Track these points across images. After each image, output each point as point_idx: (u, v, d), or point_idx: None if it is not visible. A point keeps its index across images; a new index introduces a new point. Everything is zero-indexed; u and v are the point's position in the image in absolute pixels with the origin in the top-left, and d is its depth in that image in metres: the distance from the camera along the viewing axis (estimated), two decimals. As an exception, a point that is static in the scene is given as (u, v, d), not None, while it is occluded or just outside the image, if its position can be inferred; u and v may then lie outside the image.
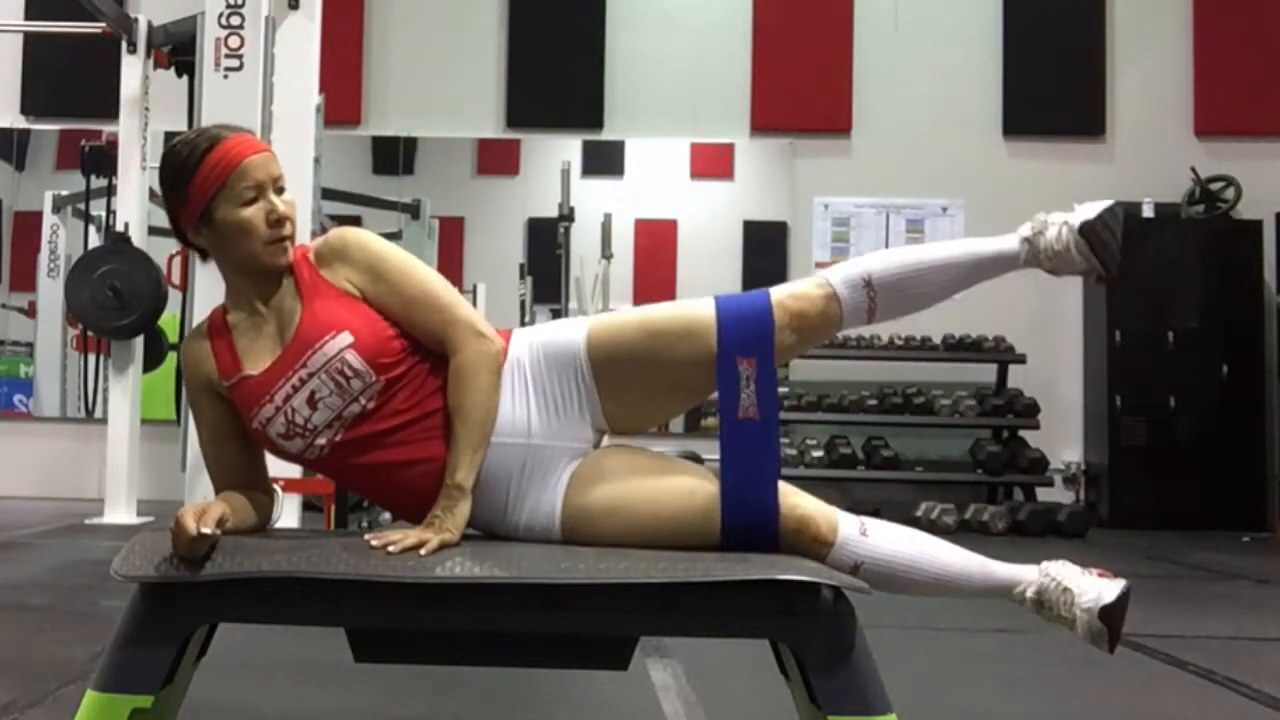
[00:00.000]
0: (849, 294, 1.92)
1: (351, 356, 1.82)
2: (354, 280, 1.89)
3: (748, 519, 1.81)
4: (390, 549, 1.70)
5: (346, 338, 1.82)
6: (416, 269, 1.90)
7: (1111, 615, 1.84)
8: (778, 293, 1.92)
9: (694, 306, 1.92)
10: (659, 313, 1.93)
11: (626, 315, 1.95)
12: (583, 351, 1.89)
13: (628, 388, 1.90)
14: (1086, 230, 1.94)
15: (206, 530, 1.62)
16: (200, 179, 1.85)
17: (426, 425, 1.85)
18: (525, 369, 1.90)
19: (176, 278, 6.63)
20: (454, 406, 1.83)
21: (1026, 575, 1.94)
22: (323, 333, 1.83)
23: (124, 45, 6.40)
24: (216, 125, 1.95)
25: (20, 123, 8.31)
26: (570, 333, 1.92)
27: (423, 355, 1.88)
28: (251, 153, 1.86)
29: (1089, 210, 1.97)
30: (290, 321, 1.87)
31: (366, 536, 1.74)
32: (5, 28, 7.90)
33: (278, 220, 1.86)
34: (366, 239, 1.93)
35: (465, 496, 1.80)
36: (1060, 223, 1.98)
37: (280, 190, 1.89)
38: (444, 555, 1.70)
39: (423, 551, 1.70)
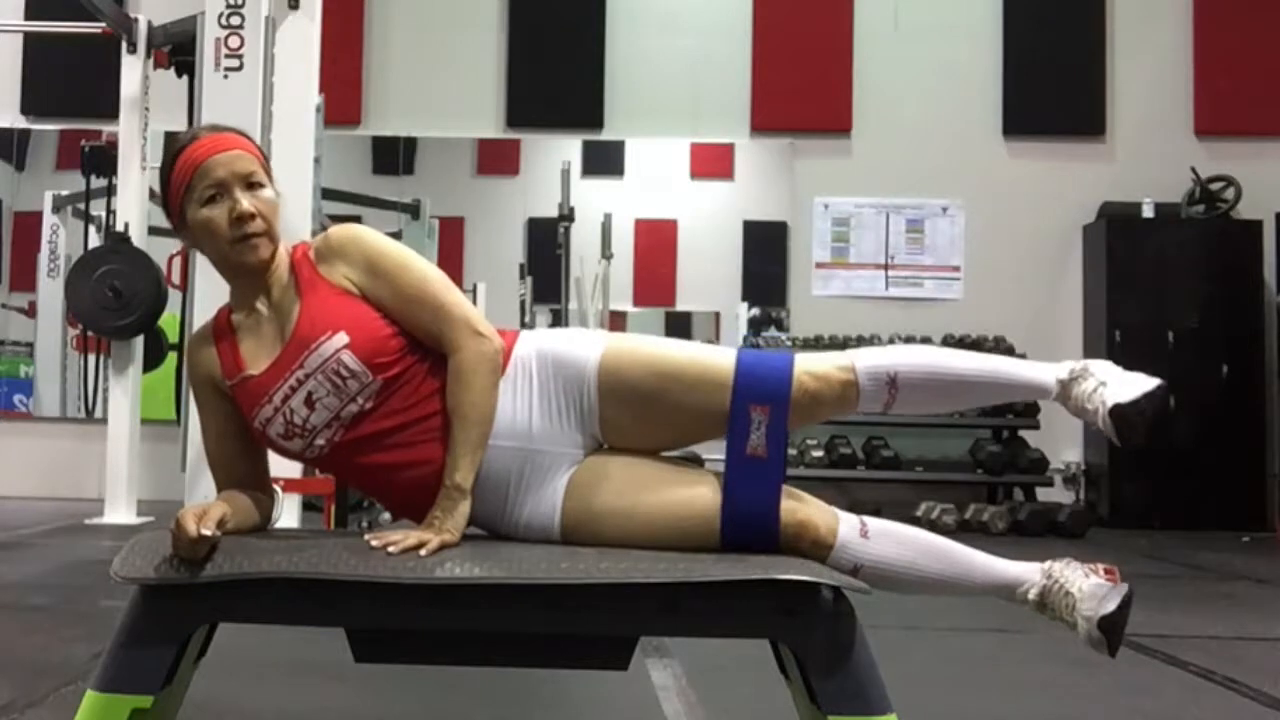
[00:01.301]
0: (870, 386, 1.91)
1: (347, 357, 1.81)
2: (352, 278, 1.88)
3: (747, 522, 1.81)
4: (390, 549, 1.70)
5: (342, 338, 1.82)
6: (415, 266, 1.89)
7: (1111, 625, 1.83)
8: (800, 364, 1.90)
9: (714, 356, 1.90)
10: (677, 354, 1.91)
11: (643, 346, 1.92)
12: (592, 374, 1.88)
13: (630, 419, 1.89)
14: (1117, 414, 1.87)
15: (207, 532, 1.63)
16: (172, 181, 1.88)
17: (426, 426, 1.85)
18: (533, 373, 1.89)
19: (176, 278, 6.63)
20: (452, 406, 1.83)
21: (1029, 575, 1.93)
22: (319, 333, 1.83)
23: (124, 45, 6.39)
24: (206, 125, 1.96)
25: (20, 123, 8.31)
26: (584, 350, 1.90)
27: (421, 355, 1.87)
28: (216, 151, 1.85)
29: (1128, 390, 1.89)
30: (289, 321, 1.87)
31: (367, 537, 1.74)
32: (5, 28, 7.90)
33: (239, 218, 1.84)
34: (366, 236, 1.92)
35: (465, 497, 1.80)
36: (1099, 384, 1.92)
37: (253, 186, 1.86)
38: (444, 555, 1.70)
39: (423, 552, 1.70)
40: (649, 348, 1.92)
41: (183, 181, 1.86)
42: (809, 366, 1.90)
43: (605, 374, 1.87)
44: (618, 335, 1.97)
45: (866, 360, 1.93)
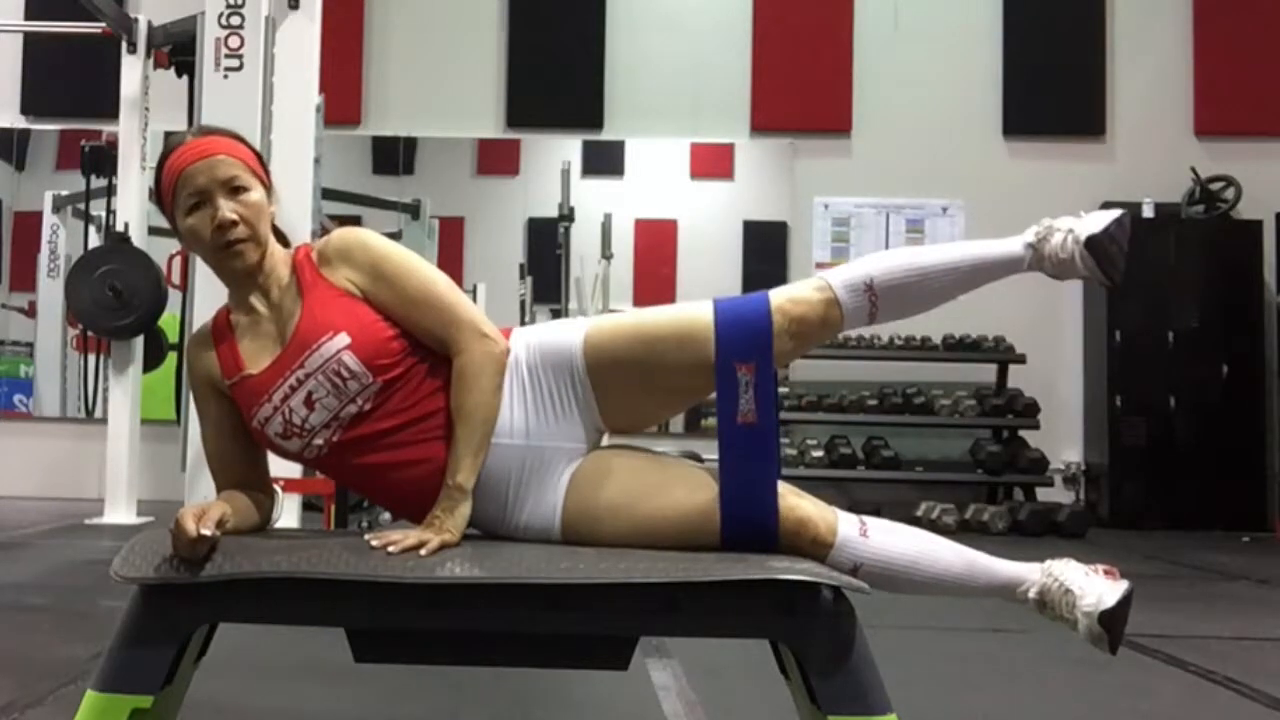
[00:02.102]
0: (850, 298, 1.91)
1: (348, 358, 1.82)
2: (355, 280, 1.88)
3: (747, 521, 1.81)
4: (390, 549, 1.70)
5: (344, 339, 1.82)
6: (419, 269, 1.89)
7: (1112, 620, 1.83)
8: (777, 296, 1.90)
9: (691, 311, 1.90)
10: (656, 318, 1.92)
11: (623, 319, 1.93)
12: (579, 355, 1.88)
13: (624, 391, 1.89)
14: (1092, 244, 1.91)
15: (206, 531, 1.62)
16: (161, 188, 1.89)
17: (425, 426, 1.85)
18: (522, 370, 1.89)
19: (176, 278, 6.63)
20: (456, 406, 1.83)
21: (1029, 575, 1.93)
22: (320, 333, 1.83)
23: (124, 45, 6.40)
24: (195, 128, 1.96)
25: (20, 123, 8.31)
26: (567, 335, 1.91)
27: (421, 356, 1.87)
28: (198, 158, 1.84)
29: (1096, 222, 1.94)
30: (290, 321, 1.87)
31: (367, 537, 1.74)
32: (5, 28, 7.90)
33: (220, 226, 1.83)
34: (369, 239, 1.92)
35: (466, 497, 1.80)
36: (1066, 230, 1.95)
37: (237, 191, 1.85)
38: (444, 555, 1.70)
39: (423, 552, 1.70)
40: (629, 318, 1.93)
41: (169, 189, 1.87)
42: (786, 294, 1.91)
43: (591, 352, 1.88)
44: (599, 316, 1.98)
45: (841, 275, 1.93)
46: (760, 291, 1.93)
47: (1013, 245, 1.99)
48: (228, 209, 1.84)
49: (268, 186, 1.93)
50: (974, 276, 1.99)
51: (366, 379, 1.82)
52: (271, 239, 1.93)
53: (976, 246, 2.01)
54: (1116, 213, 1.95)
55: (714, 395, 1.88)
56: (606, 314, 1.97)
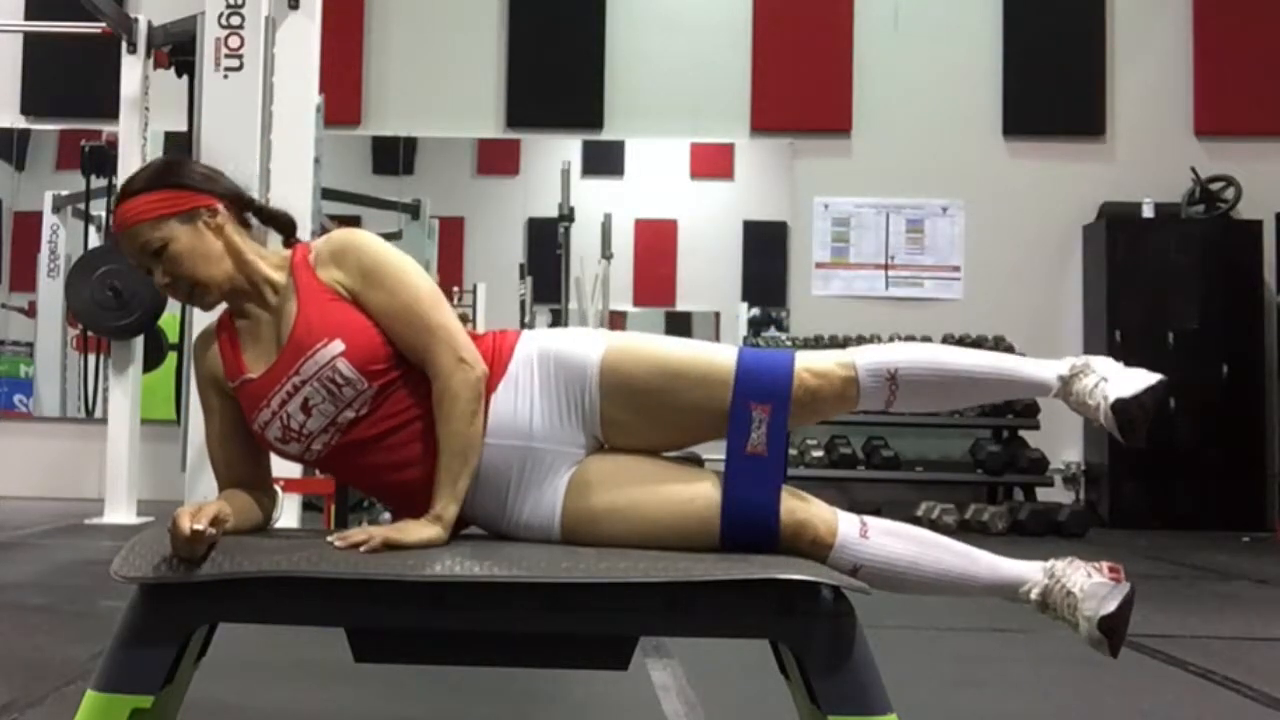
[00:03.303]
0: (870, 383, 1.90)
1: (343, 364, 1.81)
2: (344, 283, 1.88)
3: (747, 523, 1.81)
4: (338, 543, 1.71)
5: (338, 345, 1.82)
6: (408, 283, 1.87)
7: (1112, 625, 1.82)
8: (801, 361, 1.90)
9: (716, 354, 1.90)
10: (678, 352, 1.90)
11: (644, 345, 1.92)
12: (594, 374, 1.87)
13: (631, 418, 1.88)
14: (1120, 407, 1.87)
15: (199, 527, 1.61)
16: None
17: (422, 428, 1.85)
18: (534, 372, 1.89)
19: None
20: (438, 434, 1.82)
21: (1031, 575, 1.92)
22: (315, 340, 1.83)
23: (124, 45, 6.39)
24: (120, 187, 1.97)
25: (20, 123, 8.30)
26: (586, 350, 1.89)
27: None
28: (119, 233, 1.90)
29: (1129, 384, 1.89)
30: (286, 325, 1.87)
31: (330, 538, 1.74)
32: (5, 28, 7.90)
33: (164, 287, 1.90)
34: (364, 243, 1.91)
35: (442, 527, 1.79)
36: (1100, 378, 1.92)
37: (159, 253, 1.86)
38: (444, 554, 1.70)
39: (363, 549, 1.69)
40: (650, 346, 1.91)
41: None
42: (810, 364, 1.90)
43: (607, 373, 1.87)
44: (619, 334, 1.96)
45: (867, 357, 1.92)
46: (787, 350, 1.94)
47: (1045, 372, 1.97)
48: (158, 278, 1.89)
49: (199, 205, 1.88)
50: (999, 390, 2.01)
51: (361, 385, 1.82)
52: (245, 250, 1.91)
53: (1010, 362, 2.01)
54: (1153, 379, 1.90)
55: (713, 438, 1.89)
56: (628, 335, 1.95)
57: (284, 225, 2.02)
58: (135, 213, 1.87)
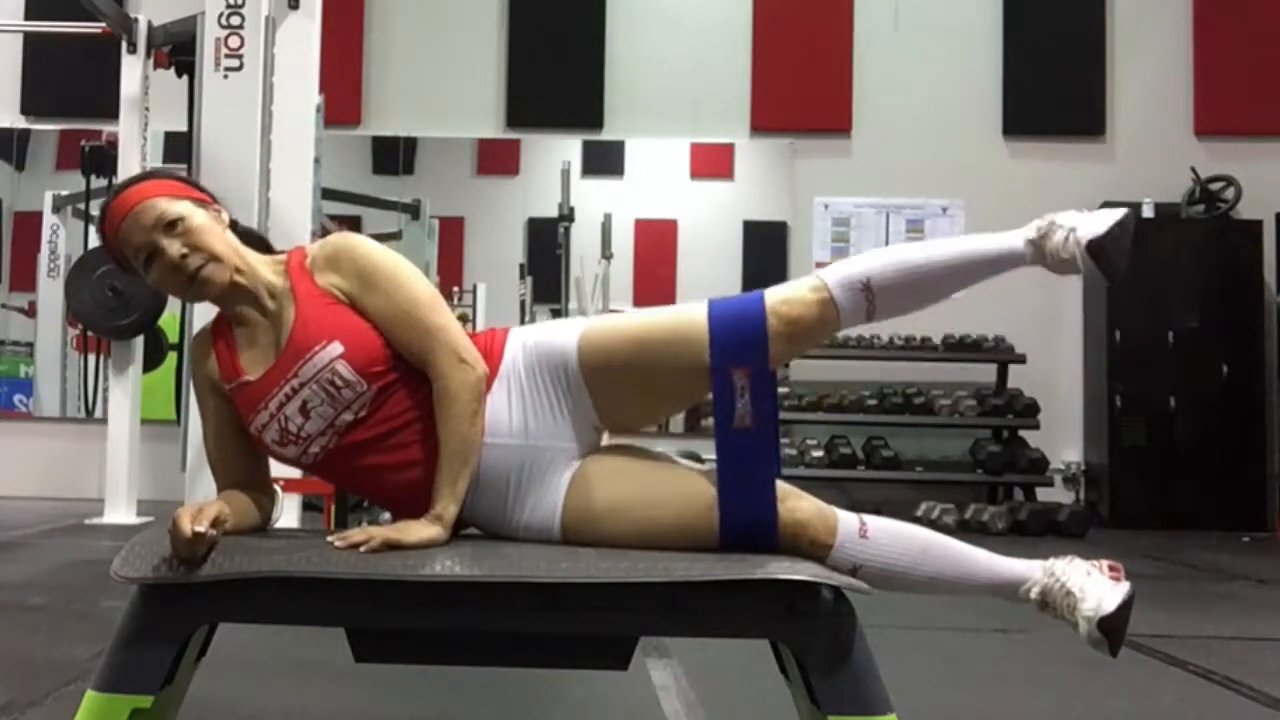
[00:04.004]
0: (846, 297, 1.87)
1: (342, 367, 1.81)
2: (340, 287, 1.88)
3: (746, 523, 1.81)
4: (338, 544, 1.70)
5: (337, 348, 1.82)
6: (405, 284, 1.87)
7: (1112, 625, 1.82)
8: (771, 297, 1.87)
9: (685, 314, 1.88)
10: (650, 320, 1.90)
11: (618, 322, 1.92)
12: (573, 358, 1.87)
13: (619, 393, 1.88)
14: (1094, 247, 1.88)
15: (200, 529, 1.61)
16: (118, 259, 1.92)
17: (421, 429, 1.85)
18: (519, 370, 1.89)
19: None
20: (438, 434, 1.82)
21: (1031, 574, 1.92)
22: (313, 342, 1.83)
23: (124, 45, 6.39)
24: (117, 186, 1.95)
25: (20, 123, 8.31)
26: (562, 336, 1.89)
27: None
28: (123, 217, 1.85)
29: (1098, 224, 1.90)
30: (284, 329, 1.87)
31: (330, 538, 1.74)
32: (5, 28, 7.90)
33: (174, 268, 1.85)
34: (359, 246, 1.91)
35: (441, 526, 1.79)
36: (1069, 229, 1.91)
37: (172, 226, 1.84)
38: (444, 554, 1.71)
39: (363, 549, 1.69)
40: (622, 320, 1.93)
41: (123, 256, 1.89)
42: (782, 295, 1.87)
43: (585, 352, 1.87)
44: (595, 317, 1.96)
45: (837, 274, 1.89)
46: (755, 292, 1.89)
47: (1013, 240, 1.96)
48: (172, 247, 1.84)
49: (206, 202, 1.92)
50: (974, 272, 1.96)
51: (361, 386, 1.82)
52: (243, 249, 1.92)
53: (976, 241, 1.97)
54: (1119, 213, 1.91)
55: (705, 396, 1.87)
56: (603, 315, 1.96)
57: (262, 245, 2.02)
58: (149, 190, 1.87)
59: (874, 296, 1.88)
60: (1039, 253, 1.94)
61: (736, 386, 1.81)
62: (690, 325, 1.86)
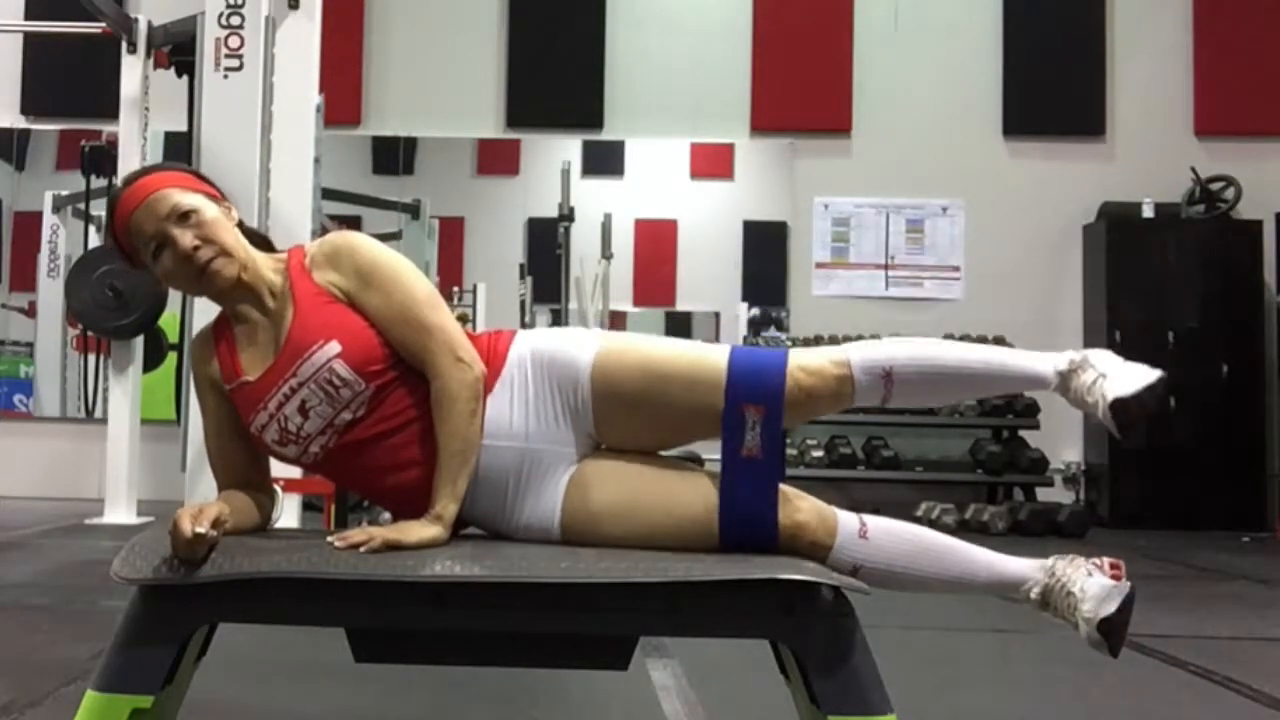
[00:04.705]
0: (865, 380, 1.88)
1: (340, 366, 1.81)
2: (339, 285, 1.88)
3: (746, 525, 1.81)
4: (338, 544, 1.70)
5: (334, 347, 1.82)
6: (403, 284, 1.87)
7: (1111, 627, 1.82)
8: (793, 360, 1.88)
9: (708, 358, 1.87)
10: (670, 355, 1.89)
11: (636, 347, 1.90)
12: (585, 375, 1.87)
13: (625, 420, 1.88)
14: (1118, 407, 1.84)
15: (201, 530, 1.61)
16: (124, 249, 1.90)
17: (420, 429, 1.85)
18: (527, 373, 1.88)
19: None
20: (437, 434, 1.82)
21: (1032, 573, 1.92)
22: (311, 342, 1.83)
23: (124, 45, 6.39)
24: (127, 176, 1.94)
25: (20, 123, 8.31)
26: (577, 352, 1.88)
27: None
28: (136, 206, 1.84)
29: (1129, 382, 1.86)
30: (283, 328, 1.87)
31: (330, 538, 1.74)
32: (5, 28, 7.90)
33: (184, 258, 1.84)
34: (359, 245, 1.91)
35: (441, 526, 1.78)
36: (1099, 374, 1.88)
37: (185, 217, 1.84)
38: (444, 554, 1.71)
39: (363, 549, 1.69)
40: (642, 347, 1.90)
41: (130, 246, 1.88)
42: (803, 362, 1.88)
43: (598, 375, 1.86)
44: (611, 335, 1.95)
45: (861, 354, 1.90)
46: (780, 350, 1.91)
47: (1044, 366, 1.94)
48: (185, 238, 1.84)
49: (217, 198, 1.92)
50: (995, 385, 2.00)
51: (359, 386, 1.82)
52: (249, 246, 1.92)
53: (1008, 356, 1.97)
54: (1151, 376, 1.86)
55: (709, 436, 1.88)
56: (619, 335, 1.94)
57: (265, 243, 2.02)
58: (164, 181, 1.87)
59: (892, 385, 1.89)
60: (1064, 385, 1.93)
61: (749, 421, 1.82)
62: (711, 368, 1.85)
